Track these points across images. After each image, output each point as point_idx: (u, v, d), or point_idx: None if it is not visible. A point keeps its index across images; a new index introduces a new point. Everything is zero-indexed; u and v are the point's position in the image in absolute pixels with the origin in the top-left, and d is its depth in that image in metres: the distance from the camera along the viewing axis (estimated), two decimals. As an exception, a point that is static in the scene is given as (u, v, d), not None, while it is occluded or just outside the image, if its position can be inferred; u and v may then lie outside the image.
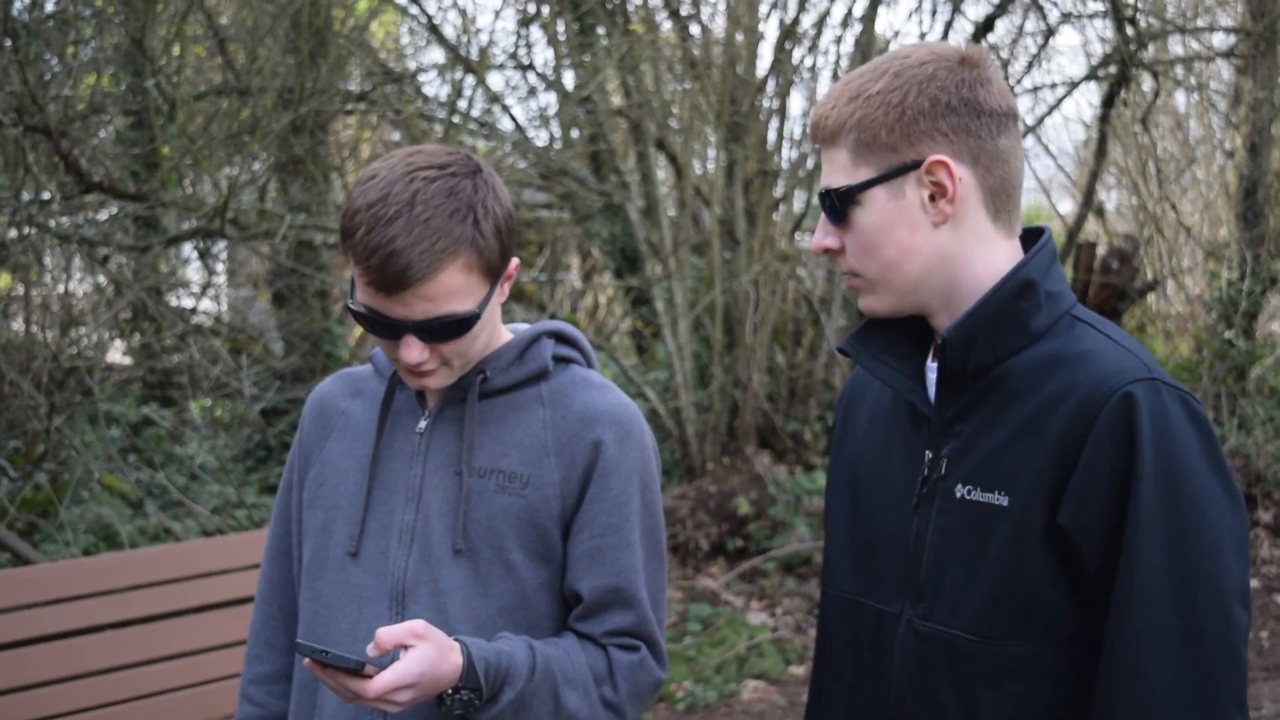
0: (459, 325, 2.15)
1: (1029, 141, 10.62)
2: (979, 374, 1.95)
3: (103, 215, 8.40)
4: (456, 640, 2.10)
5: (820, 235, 2.02)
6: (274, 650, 2.48)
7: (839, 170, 1.97)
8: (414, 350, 2.15)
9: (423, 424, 2.31)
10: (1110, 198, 15.59)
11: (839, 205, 1.97)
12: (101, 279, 8.41)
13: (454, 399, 2.30)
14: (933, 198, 1.93)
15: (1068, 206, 14.84)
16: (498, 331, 2.33)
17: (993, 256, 1.97)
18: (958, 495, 1.94)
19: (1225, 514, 1.83)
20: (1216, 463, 1.85)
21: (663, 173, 10.25)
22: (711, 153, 10.23)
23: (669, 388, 9.92)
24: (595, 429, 2.27)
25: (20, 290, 9.24)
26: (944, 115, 1.92)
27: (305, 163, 8.54)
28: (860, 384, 2.25)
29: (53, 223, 6.93)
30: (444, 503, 2.26)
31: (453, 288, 2.12)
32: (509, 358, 2.31)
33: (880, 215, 1.94)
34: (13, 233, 6.80)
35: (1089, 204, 11.45)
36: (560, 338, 2.40)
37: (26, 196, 6.96)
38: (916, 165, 1.92)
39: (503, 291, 2.25)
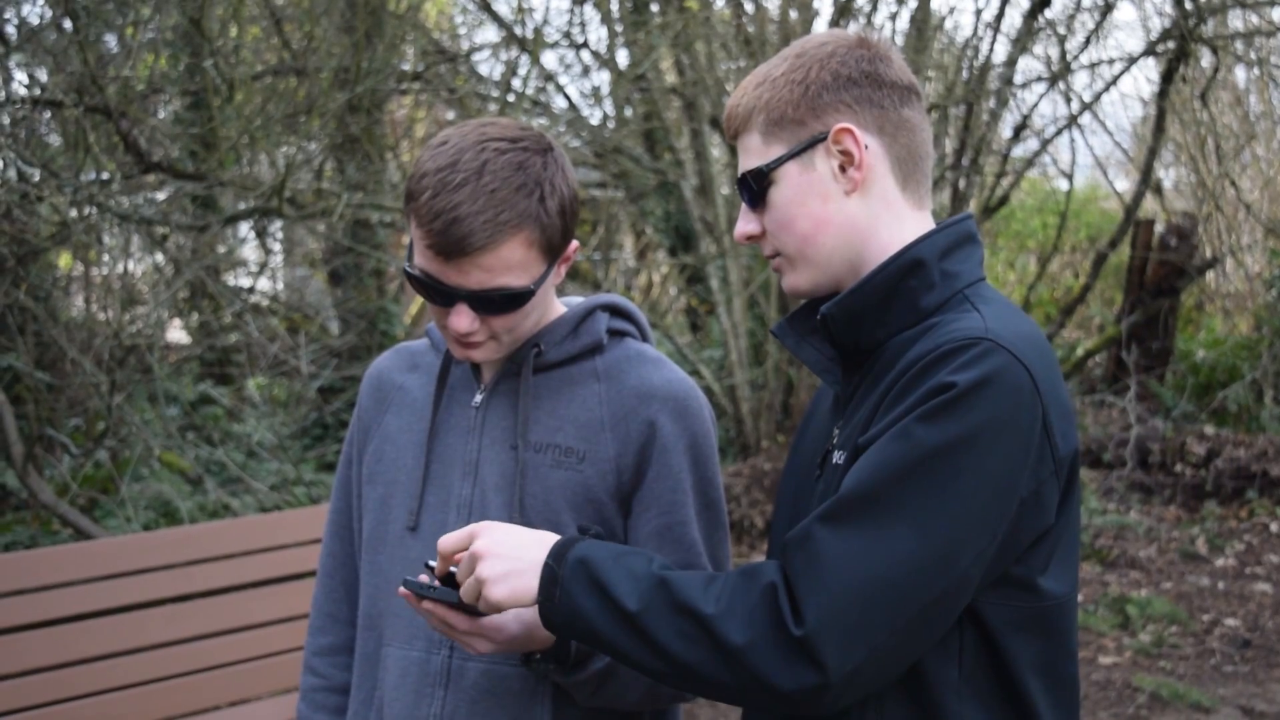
0: (512, 300, 2.15)
1: (1086, 118, 10.53)
2: (872, 350, 1.99)
3: (161, 195, 8.48)
4: None
5: (742, 224, 2.07)
6: (336, 623, 2.50)
7: (752, 154, 2.03)
8: (464, 319, 2.15)
9: (478, 398, 2.31)
10: (1168, 175, 15.46)
11: (755, 187, 2.02)
12: (160, 258, 8.50)
13: (509, 373, 2.30)
14: (842, 167, 1.98)
15: (1125, 184, 14.72)
16: (551, 307, 2.32)
17: (900, 227, 2.00)
18: (833, 462, 1.98)
19: (993, 463, 1.78)
20: (1030, 415, 1.81)
21: (717, 151, 10.23)
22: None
23: (723, 365, 9.92)
24: (651, 406, 2.26)
25: (80, 269, 9.35)
26: (846, 87, 1.98)
27: (361, 142, 8.58)
28: None
29: (113, 202, 7.00)
30: (500, 477, 2.26)
31: (511, 261, 2.12)
32: (563, 331, 2.30)
33: (794, 189, 2.00)
34: (73, 212, 6.88)
35: (1147, 181, 11.34)
36: (614, 310, 2.39)
37: (87, 176, 7.04)
38: (824, 136, 1.98)
39: (559, 273, 2.25)
